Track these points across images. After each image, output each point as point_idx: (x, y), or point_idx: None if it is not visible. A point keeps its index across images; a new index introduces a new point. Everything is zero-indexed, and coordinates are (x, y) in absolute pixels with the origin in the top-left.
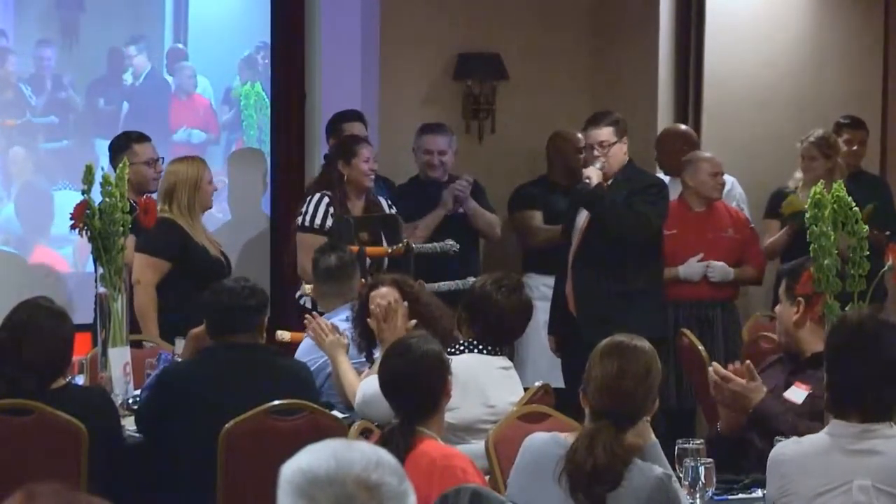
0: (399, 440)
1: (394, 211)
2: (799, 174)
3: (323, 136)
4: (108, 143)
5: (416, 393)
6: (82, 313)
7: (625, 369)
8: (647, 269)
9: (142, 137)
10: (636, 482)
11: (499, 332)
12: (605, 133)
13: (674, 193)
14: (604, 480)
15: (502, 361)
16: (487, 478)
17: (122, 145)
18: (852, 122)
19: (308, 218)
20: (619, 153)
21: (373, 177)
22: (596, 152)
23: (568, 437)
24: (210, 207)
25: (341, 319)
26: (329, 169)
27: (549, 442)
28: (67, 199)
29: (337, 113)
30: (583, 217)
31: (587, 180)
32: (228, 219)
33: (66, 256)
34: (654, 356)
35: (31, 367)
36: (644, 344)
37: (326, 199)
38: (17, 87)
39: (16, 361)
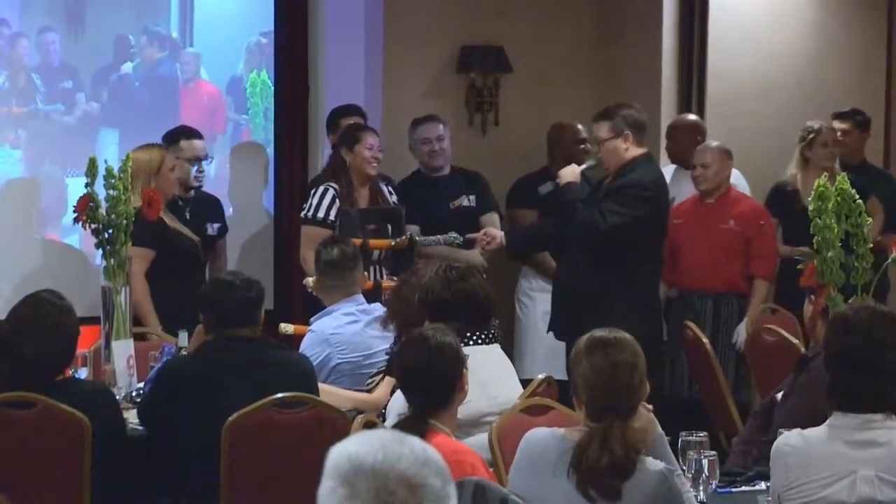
0: (409, 432)
1: (394, 199)
2: (794, 169)
3: (325, 129)
4: (114, 131)
5: (429, 385)
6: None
7: (615, 362)
8: (626, 267)
9: (192, 134)
10: (639, 477)
11: (481, 314)
12: (601, 129)
13: (686, 185)
14: (621, 472)
15: (496, 349)
16: (491, 470)
17: (171, 138)
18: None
19: (312, 210)
20: (617, 150)
21: (375, 164)
22: (594, 148)
23: (566, 433)
24: (174, 192)
25: (343, 313)
26: (334, 158)
27: (547, 438)
28: (74, 188)
29: (335, 108)
30: None
31: (558, 180)
32: (231, 212)
33: (73, 245)
34: (635, 343)
35: (35, 360)
36: (624, 335)
37: (332, 192)
38: (23, 75)
39: (19, 355)
